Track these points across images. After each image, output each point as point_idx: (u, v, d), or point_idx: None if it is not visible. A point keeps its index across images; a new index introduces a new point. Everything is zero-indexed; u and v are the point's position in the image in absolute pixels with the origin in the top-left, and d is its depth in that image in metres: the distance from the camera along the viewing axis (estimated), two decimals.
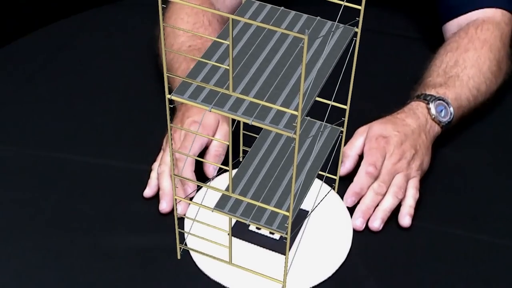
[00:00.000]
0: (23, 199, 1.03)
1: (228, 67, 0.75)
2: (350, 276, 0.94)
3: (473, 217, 1.01)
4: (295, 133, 0.72)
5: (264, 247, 0.96)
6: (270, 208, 0.84)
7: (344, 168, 1.03)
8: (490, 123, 1.15)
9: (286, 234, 0.82)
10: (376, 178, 1.00)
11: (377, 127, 1.03)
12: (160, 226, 0.99)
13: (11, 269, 0.95)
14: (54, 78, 1.23)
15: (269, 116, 0.74)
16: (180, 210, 0.99)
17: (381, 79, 1.23)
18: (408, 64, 1.22)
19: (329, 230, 0.98)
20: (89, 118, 1.15)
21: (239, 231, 0.97)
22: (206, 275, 0.93)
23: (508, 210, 1.02)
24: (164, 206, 1.00)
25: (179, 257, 0.94)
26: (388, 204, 0.99)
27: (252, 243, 0.96)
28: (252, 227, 0.98)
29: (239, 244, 0.96)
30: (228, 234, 0.89)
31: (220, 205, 0.86)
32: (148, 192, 1.02)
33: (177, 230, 0.92)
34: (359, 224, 0.98)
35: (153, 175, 1.03)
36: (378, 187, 0.99)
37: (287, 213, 0.82)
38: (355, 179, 1.00)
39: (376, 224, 0.98)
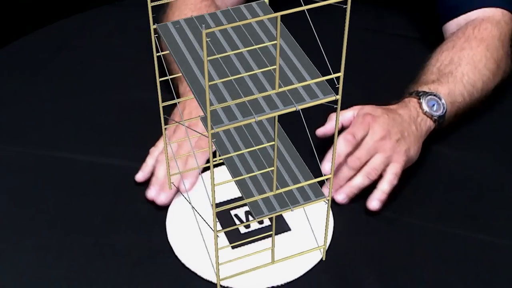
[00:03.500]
0: (23, 199, 1.03)
1: (274, 67, 0.75)
2: (350, 276, 0.94)
3: (473, 217, 1.02)
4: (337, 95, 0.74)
5: (267, 237, 0.95)
6: (313, 181, 0.83)
7: (323, 128, 1.04)
8: (490, 123, 1.15)
9: (327, 198, 0.83)
10: (353, 147, 1.00)
11: (369, 107, 1.05)
12: (160, 226, 0.99)
13: (11, 269, 0.95)
14: (54, 78, 1.23)
15: (303, 96, 0.74)
16: (164, 198, 1.00)
17: (381, 79, 1.23)
18: (408, 64, 1.22)
19: (309, 212, 0.97)
20: (89, 118, 1.15)
21: (233, 238, 0.97)
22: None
23: (508, 210, 1.03)
24: (153, 194, 1.01)
25: None
26: (357, 182, 1.00)
27: (254, 241, 0.96)
28: (242, 229, 0.98)
29: (245, 250, 0.95)
30: (272, 234, 0.86)
31: (258, 211, 0.82)
32: (140, 176, 1.03)
33: (216, 265, 0.85)
34: (326, 194, 0.98)
35: (150, 161, 1.04)
36: (352, 162, 1.00)
37: (329, 176, 0.82)
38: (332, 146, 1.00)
39: (340, 197, 0.99)
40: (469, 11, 1.20)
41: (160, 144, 1.05)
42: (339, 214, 1.00)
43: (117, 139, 1.12)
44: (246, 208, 1.00)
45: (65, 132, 1.13)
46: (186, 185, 1.01)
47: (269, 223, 0.98)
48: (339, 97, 0.74)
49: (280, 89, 0.74)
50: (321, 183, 1.00)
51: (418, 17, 1.36)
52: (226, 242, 0.96)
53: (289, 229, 0.98)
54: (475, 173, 1.08)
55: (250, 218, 0.99)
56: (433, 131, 1.08)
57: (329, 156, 1.00)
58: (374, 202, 0.99)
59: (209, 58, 0.70)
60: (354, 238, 0.98)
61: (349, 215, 1.00)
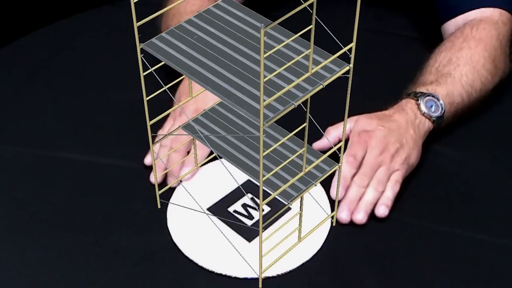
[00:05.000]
0: (23, 199, 1.03)
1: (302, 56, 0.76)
2: (350, 276, 0.94)
3: (473, 217, 1.02)
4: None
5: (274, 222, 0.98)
6: (325, 156, 0.90)
7: (321, 142, 1.05)
8: (490, 123, 1.15)
9: (339, 164, 0.92)
10: (357, 168, 1.01)
11: (362, 122, 1.05)
12: (160, 226, 0.99)
13: (11, 269, 0.95)
14: (54, 78, 1.23)
15: (323, 74, 0.80)
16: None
17: (381, 79, 1.23)
18: (408, 64, 1.22)
19: (309, 207, 0.99)
20: (89, 118, 1.15)
21: (244, 233, 0.98)
22: (208, 272, 0.94)
23: (508, 210, 1.03)
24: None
25: (260, 286, 0.93)
26: (369, 197, 1.00)
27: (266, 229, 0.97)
28: (248, 221, 0.99)
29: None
30: (300, 213, 0.91)
31: (288, 196, 0.87)
32: (149, 160, 1.06)
33: (260, 257, 0.89)
34: (345, 217, 0.99)
35: (156, 146, 1.06)
36: (359, 180, 1.01)
37: (340, 144, 0.91)
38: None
39: (359, 216, 0.99)
40: (467, 11, 1.20)
41: (166, 126, 1.08)
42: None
43: (117, 139, 1.12)
44: (242, 202, 1.01)
45: (65, 132, 1.13)
46: (187, 174, 1.02)
47: (269, 209, 1.00)
48: (351, 65, 0.81)
49: (313, 70, 0.79)
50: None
51: (418, 17, 1.36)
52: (240, 237, 0.97)
53: (290, 208, 0.99)
54: (475, 173, 1.08)
55: (250, 209, 1.00)
56: (432, 132, 1.08)
57: (334, 183, 1.01)
58: (381, 208, 0.99)
59: (265, 55, 0.73)
60: (354, 238, 0.98)
61: None
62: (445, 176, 1.07)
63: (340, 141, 1.06)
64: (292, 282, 0.93)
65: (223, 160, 1.04)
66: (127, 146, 1.10)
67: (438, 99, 1.07)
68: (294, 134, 0.89)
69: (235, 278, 0.93)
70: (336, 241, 0.97)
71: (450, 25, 1.21)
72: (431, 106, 1.07)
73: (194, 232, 0.97)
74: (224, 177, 1.03)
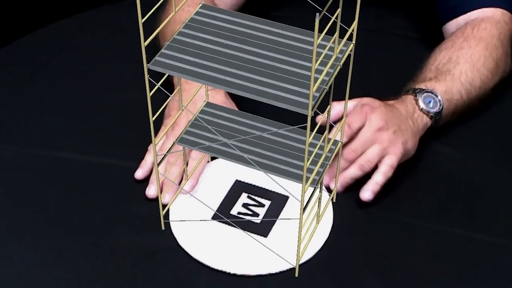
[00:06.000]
0: (23, 199, 1.03)
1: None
2: (350, 276, 0.94)
3: (473, 217, 1.02)
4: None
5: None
6: (331, 142, 0.93)
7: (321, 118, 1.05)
8: (490, 123, 1.16)
9: (340, 141, 0.95)
10: (349, 137, 1.01)
11: (367, 99, 1.05)
12: (160, 226, 0.99)
13: (11, 269, 0.95)
14: (54, 78, 1.23)
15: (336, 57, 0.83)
16: (168, 198, 1.00)
17: (381, 79, 1.23)
18: (408, 64, 1.22)
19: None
20: (90, 118, 1.15)
21: (255, 230, 0.98)
22: (208, 272, 0.93)
23: (508, 210, 1.03)
24: (152, 192, 1.01)
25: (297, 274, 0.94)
26: (350, 173, 1.00)
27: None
28: (255, 219, 0.99)
29: (274, 232, 0.98)
30: (319, 195, 0.93)
31: (314, 181, 0.88)
32: (140, 174, 1.04)
33: (298, 249, 0.90)
34: (325, 184, 1.02)
35: (149, 158, 1.04)
36: (346, 154, 1.01)
37: (343, 120, 0.95)
38: (329, 135, 1.00)
39: (333, 186, 1.01)
40: (469, 11, 1.20)
41: (159, 142, 1.05)
42: (339, 214, 1.00)
43: (117, 139, 1.12)
44: (241, 202, 1.01)
45: (65, 132, 1.13)
46: (187, 187, 1.01)
47: (269, 202, 1.00)
48: (353, 42, 0.86)
49: (337, 50, 0.81)
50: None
51: (418, 17, 1.36)
52: (255, 235, 0.97)
53: (288, 197, 1.01)
54: (475, 173, 1.08)
55: (252, 207, 1.00)
56: (430, 128, 1.08)
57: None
58: (367, 193, 0.99)
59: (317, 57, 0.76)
60: (354, 238, 0.98)
61: (349, 215, 1.00)
62: (445, 176, 1.07)
63: (342, 116, 1.06)
64: (292, 282, 0.93)
65: (218, 161, 1.04)
66: (127, 146, 1.10)
67: (436, 95, 1.07)
68: (268, 119, 0.91)
69: (247, 276, 0.93)
70: (336, 241, 0.97)
71: (452, 25, 1.22)
72: (429, 102, 1.07)
73: (206, 240, 0.97)
74: (214, 182, 1.03)
